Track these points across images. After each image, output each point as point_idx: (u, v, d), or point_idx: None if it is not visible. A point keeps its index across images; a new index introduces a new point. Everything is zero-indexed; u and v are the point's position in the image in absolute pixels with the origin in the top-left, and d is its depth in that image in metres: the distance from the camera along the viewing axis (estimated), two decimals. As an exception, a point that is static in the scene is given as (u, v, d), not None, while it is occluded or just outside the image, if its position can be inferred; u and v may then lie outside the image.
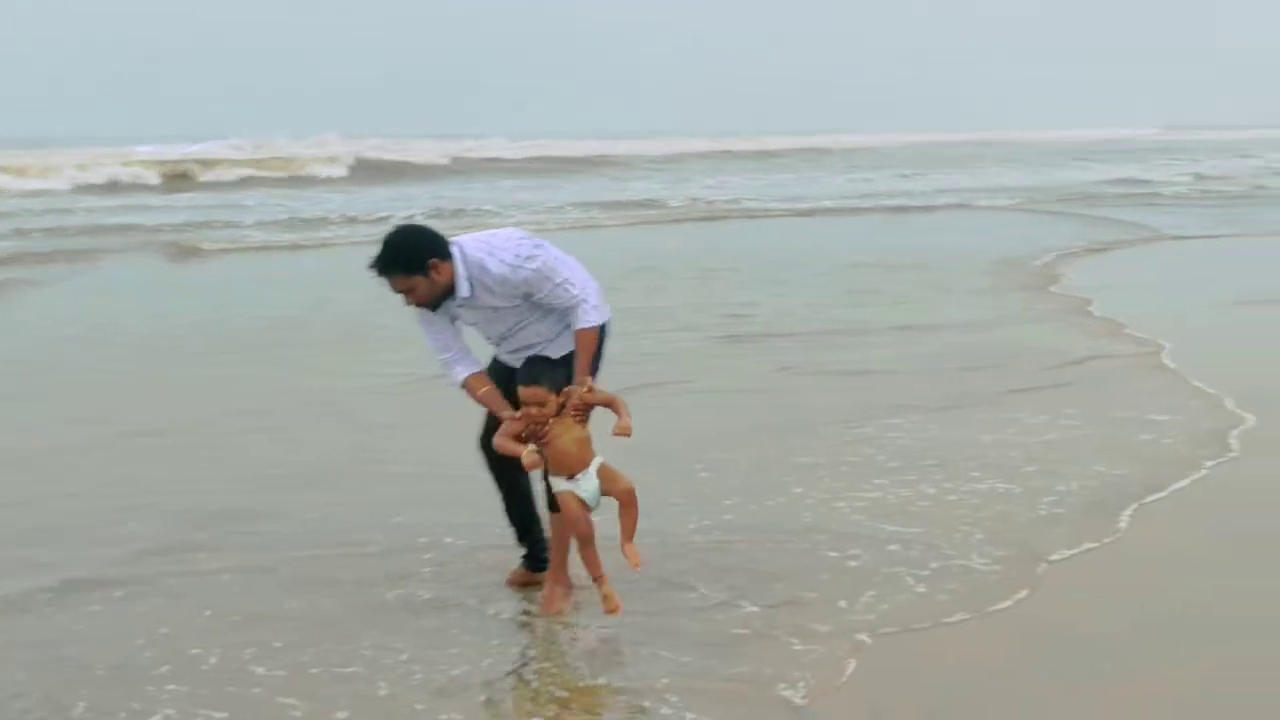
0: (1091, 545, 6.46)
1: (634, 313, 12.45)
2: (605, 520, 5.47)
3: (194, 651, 5.31)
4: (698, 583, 5.99)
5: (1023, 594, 5.85)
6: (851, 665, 5.12)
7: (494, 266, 5.31)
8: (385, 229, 5.63)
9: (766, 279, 16.98)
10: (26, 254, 19.87)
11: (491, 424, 5.55)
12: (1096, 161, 51.91)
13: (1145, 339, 11.90)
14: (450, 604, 5.79)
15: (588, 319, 5.40)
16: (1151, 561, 6.33)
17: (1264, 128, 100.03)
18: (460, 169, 44.76)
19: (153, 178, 37.25)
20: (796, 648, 5.27)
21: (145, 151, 42.76)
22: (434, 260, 5.24)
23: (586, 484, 5.24)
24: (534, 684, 5.00)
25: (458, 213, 26.98)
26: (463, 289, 5.32)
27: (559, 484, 5.28)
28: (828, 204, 31.28)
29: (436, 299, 5.33)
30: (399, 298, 5.40)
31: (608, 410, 5.26)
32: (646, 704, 4.82)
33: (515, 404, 5.29)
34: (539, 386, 5.17)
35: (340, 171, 41.07)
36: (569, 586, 5.71)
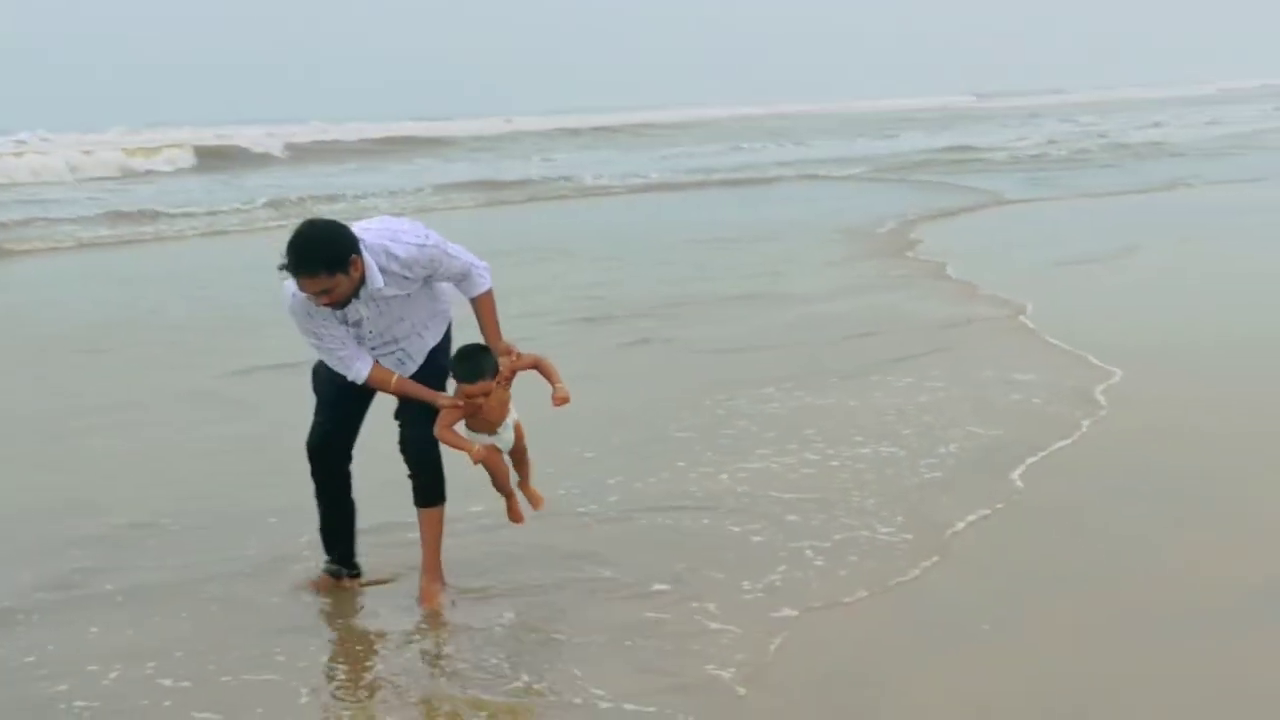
0: (989, 509, 6.44)
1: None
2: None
3: (91, 668, 5.02)
4: (602, 565, 5.87)
5: (931, 561, 5.82)
6: (776, 643, 5.02)
7: (401, 251, 5.13)
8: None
9: (612, 258, 16.88)
10: None
11: (330, 428, 5.47)
12: (920, 130, 52.88)
13: (1005, 300, 12.10)
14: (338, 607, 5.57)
15: (484, 280, 5.39)
16: (1053, 520, 6.35)
17: (1063, 93, 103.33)
18: (295, 156, 43.29)
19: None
20: (714, 628, 5.16)
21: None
22: (354, 256, 4.99)
23: (506, 435, 5.47)
24: (448, 687, 4.81)
25: (301, 200, 25.90)
26: (376, 280, 5.12)
27: (480, 438, 5.37)
28: (666, 179, 31.15)
29: (351, 296, 5.09)
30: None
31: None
32: (578, 701, 4.64)
33: None
34: (485, 379, 5.22)
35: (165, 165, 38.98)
36: (444, 581, 5.59)
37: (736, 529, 6.30)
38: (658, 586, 5.61)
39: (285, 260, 4.94)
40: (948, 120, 61.04)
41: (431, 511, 5.51)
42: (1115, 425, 7.83)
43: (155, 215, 23.62)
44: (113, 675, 4.96)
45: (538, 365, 5.42)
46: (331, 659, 5.12)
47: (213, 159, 40.06)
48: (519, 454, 5.63)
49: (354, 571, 5.76)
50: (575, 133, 55.70)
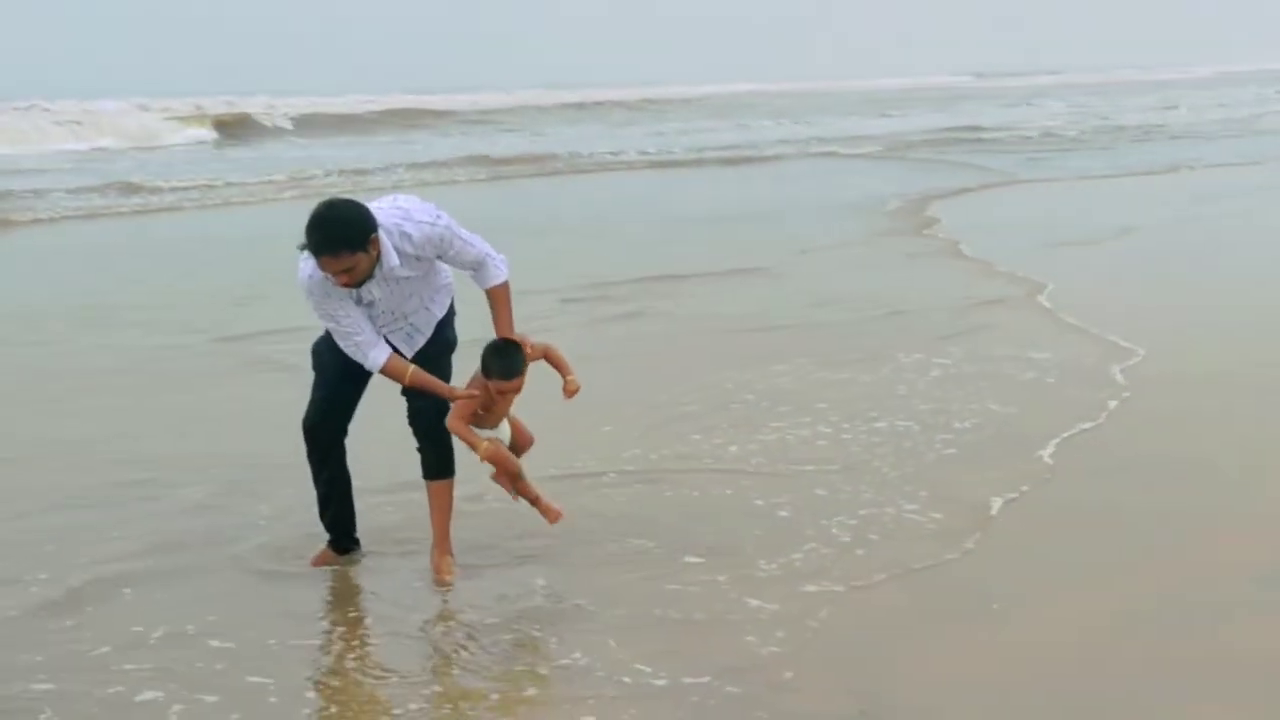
0: (1016, 490, 6.36)
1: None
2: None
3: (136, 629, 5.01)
4: (630, 536, 5.84)
5: (962, 542, 5.75)
6: (815, 622, 4.96)
7: (414, 230, 5.11)
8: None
9: (613, 233, 16.82)
10: None
11: (328, 408, 5.42)
12: (921, 109, 52.59)
13: (1022, 278, 12.02)
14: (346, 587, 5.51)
15: (500, 272, 5.33)
16: (1082, 501, 6.26)
17: (1060, 73, 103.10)
18: (303, 127, 42.89)
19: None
20: (753, 604, 5.11)
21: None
22: (373, 235, 4.96)
23: (504, 430, 5.42)
24: (491, 660, 4.75)
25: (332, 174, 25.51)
26: (392, 259, 5.08)
27: (484, 433, 5.31)
28: (667, 156, 30.83)
29: (368, 276, 5.05)
30: None
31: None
32: (627, 680, 4.56)
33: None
34: (522, 376, 5.26)
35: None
36: (453, 554, 5.56)
37: (761, 501, 6.28)
38: (689, 559, 5.56)
39: (306, 241, 4.91)
40: (947, 100, 60.78)
41: (441, 484, 5.48)
42: (1139, 405, 7.76)
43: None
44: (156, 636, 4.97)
45: (547, 354, 5.40)
46: (357, 634, 5.05)
47: (233, 129, 39.99)
48: (518, 448, 5.54)
49: (353, 545, 5.73)
50: (580, 107, 55.21)
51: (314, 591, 5.45)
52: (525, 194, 23.09)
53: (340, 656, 4.83)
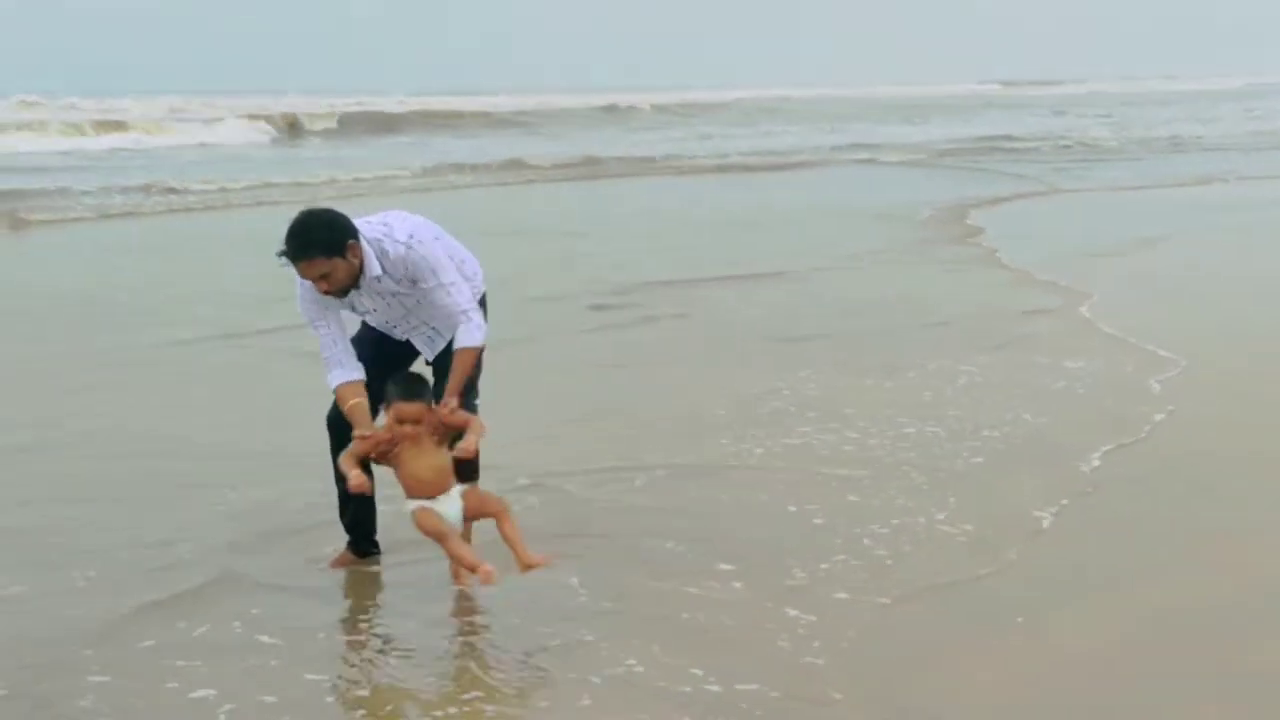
0: (1062, 501, 6.30)
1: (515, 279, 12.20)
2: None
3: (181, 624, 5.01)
4: (661, 539, 5.83)
5: (1012, 554, 5.71)
6: (851, 633, 4.91)
7: (391, 249, 5.16)
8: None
9: (638, 237, 16.81)
10: None
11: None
12: (950, 117, 52.38)
13: (1062, 287, 11.95)
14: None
15: (471, 338, 5.23)
16: (1122, 513, 6.21)
17: (1089, 81, 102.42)
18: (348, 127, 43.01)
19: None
20: (791, 614, 5.06)
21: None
22: (350, 241, 5.03)
23: (448, 506, 4.92)
24: (543, 660, 4.72)
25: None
26: (374, 267, 5.14)
27: (411, 504, 4.95)
28: (697, 162, 30.67)
29: (350, 284, 5.11)
30: None
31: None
32: (686, 689, 4.51)
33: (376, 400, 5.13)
34: (421, 402, 4.95)
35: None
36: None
37: (794, 508, 6.25)
38: (723, 566, 5.53)
39: (284, 247, 4.98)
40: (978, 108, 60.58)
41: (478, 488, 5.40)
42: (1177, 417, 7.67)
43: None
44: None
45: (466, 425, 4.99)
46: (390, 639, 4.99)
47: (293, 128, 40.89)
48: (504, 526, 4.97)
49: (374, 549, 5.69)
50: (610, 110, 55.03)
51: (334, 592, 5.44)
52: (559, 197, 23.10)
53: (373, 661, 4.79)
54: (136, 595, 5.31)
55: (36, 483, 6.91)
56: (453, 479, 4.96)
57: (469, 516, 5.00)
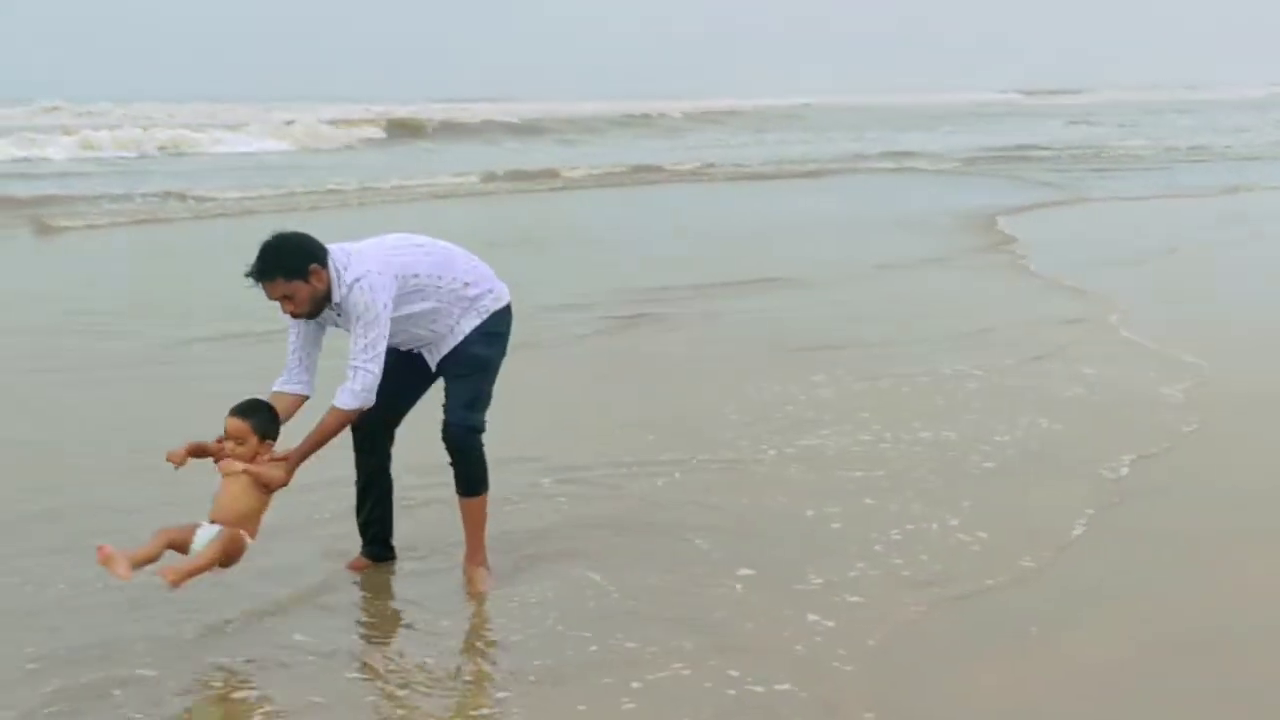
0: (1087, 510, 6.22)
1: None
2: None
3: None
4: (682, 541, 5.83)
5: (1028, 562, 5.65)
6: (873, 640, 4.88)
7: (347, 277, 5.13)
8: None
9: (654, 244, 16.97)
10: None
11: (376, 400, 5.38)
12: (972, 125, 52.12)
13: (1089, 293, 11.91)
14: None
15: (342, 400, 5.14)
16: (1143, 525, 6.12)
17: (1104, 91, 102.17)
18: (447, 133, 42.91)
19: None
20: (811, 619, 5.04)
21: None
22: (314, 265, 5.09)
23: (203, 535, 4.88)
24: (581, 658, 4.71)
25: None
26: (336, 294, 5.14)
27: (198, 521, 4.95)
28: (730, 170, 30.53)
29: (315, 306, 5.15)
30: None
31: None
32: (731, 692, 4.49)
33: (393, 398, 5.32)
34: (245, 422, 4.99)
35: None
36: (488, 566, 5.49)
37: (811, 512, 6.22)
38: (744, 571, 5.50)
39: (250, 268, 5.06)
40: (1001, 116, 60.33)
41: (473, 500, 5.45)
42: (1200, 425, 7.61)
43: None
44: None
45: (268, 483, 4.96)
46: (430, 648, 4.92)
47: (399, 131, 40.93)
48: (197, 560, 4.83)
49: (387, 554, 5.66)
50: (644, 118, 54.59)
51: (349, 597, 5.39)
52: (594, 204, 22.89)
53: (398, 668, 4.74)
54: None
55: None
56: (226, 518, 4.89)
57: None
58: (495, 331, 5.41)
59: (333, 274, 5.12)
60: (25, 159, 30.14)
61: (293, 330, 5.30)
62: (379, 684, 4.60)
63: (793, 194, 24.40)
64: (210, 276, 12.64)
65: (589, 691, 4.49)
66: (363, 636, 5.02)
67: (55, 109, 46.91)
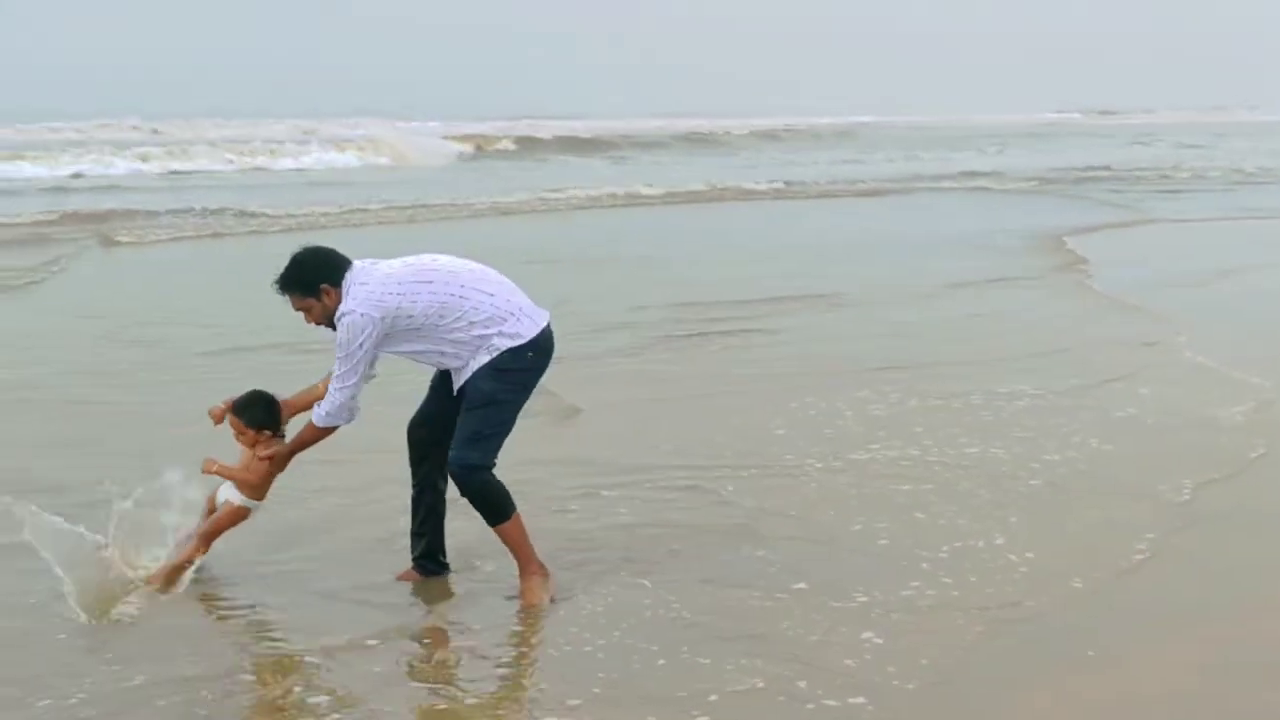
0: (1147, 535, 6.15)
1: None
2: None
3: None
4: (737, 554, 5.88)
5: (1077, 582, 5.62)
6: (925, 659, 4.87)
7: (343, 306, 5.29)
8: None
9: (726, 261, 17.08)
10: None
11: (423, 417, 5.58)
12: (1033, 146, 51.51)
13: (1154, 314, 11.85)
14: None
15: (315, 415, 5.42)
16: (1208, 547, 6.06)
17: (1160, 111, 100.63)
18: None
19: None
20: (864, 636, 5.05)
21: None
22: (325, 285, 5.27)
23: (220, 495, 5.61)
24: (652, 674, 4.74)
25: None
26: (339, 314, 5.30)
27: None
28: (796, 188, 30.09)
29: (330, 321, 5.34)
30: None
31: None
32: (810, 706, 4.52)
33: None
34: (238, 417, 5.50)
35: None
36: (545, 574, 5.47)
37: (858, 527, 6.26)
38: (798, 585, 5.53)
39: (275, 280, 5.35)
40: (1061, 136, 59.66)
41: (500, 528, 5.42)
42: (1260, 449, 7.50)
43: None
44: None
45: (231, 479, 5.56)
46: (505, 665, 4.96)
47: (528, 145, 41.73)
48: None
49: (437, 569, 5.68)
50: (707, 137, 54.53)
51: (404, 604, 5.46)
52: (672, 220, 22.76)
53: (462, 684, 4.76)
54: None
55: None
56: (242, 479, 5.52)
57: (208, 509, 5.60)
58: (506, 368, 5.32)
59: (343, 294, 5.28)
60: (175, 171, 31.00)
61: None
62: (440, 692, 4.64)
63: (860, 212, 24.17)
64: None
65: (663, 706, 4.49)
66: (417, 643, 5.07)
67: (150, 130, 47.72)
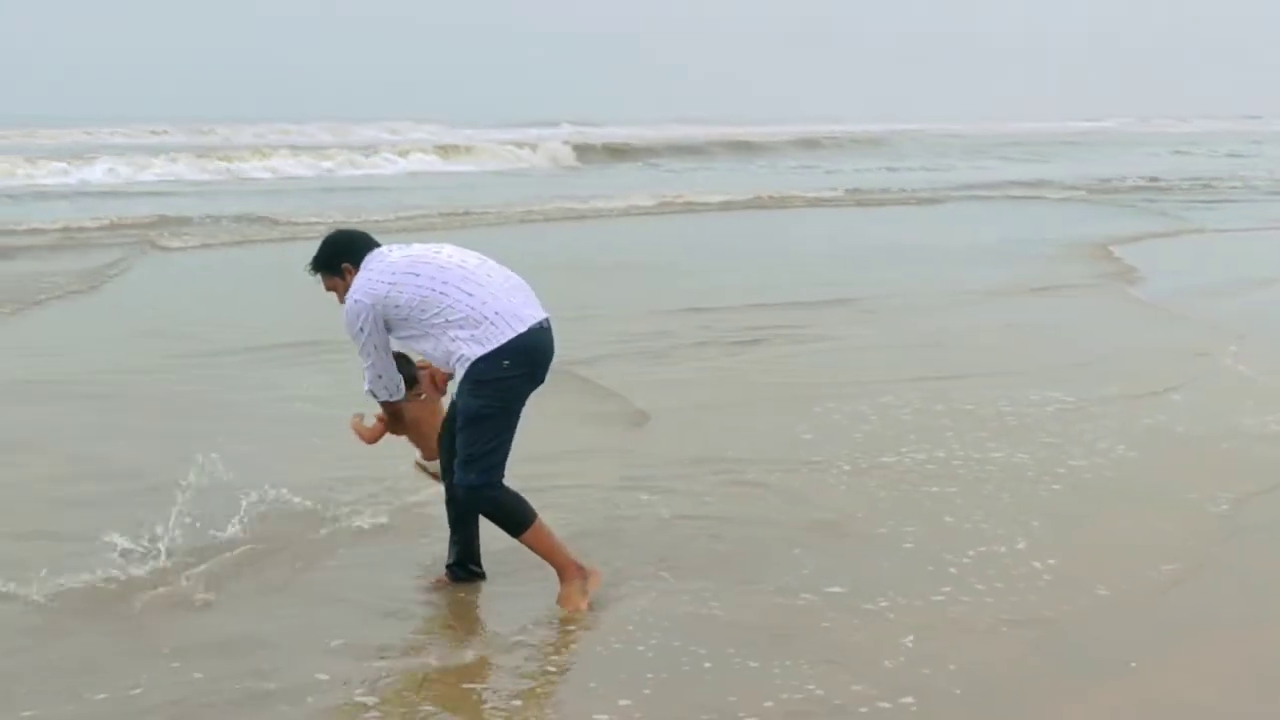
0: (1187, 547, 6.06)
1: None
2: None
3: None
4: (769, 558, 5.91)
5: (1102, 590, 5.59)
6: (955, 666, 4.87)
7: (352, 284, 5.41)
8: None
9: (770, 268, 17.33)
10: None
11: (449, 416, 5.47)
12: (1086, 153, 51.10)
13: (1208, 324, 11.80)
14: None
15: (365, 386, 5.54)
16: (1245, 565, 5.96)
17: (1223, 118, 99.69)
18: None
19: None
20: (908, 642, 5.04)
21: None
22: (346, 265, 5.39)
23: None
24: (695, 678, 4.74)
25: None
26: None
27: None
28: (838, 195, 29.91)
29: None
30: None
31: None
32: (863, 709, 4.54)
33: None
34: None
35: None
36: (584, 575, 5.36)
37: (884, 530, 6.30)
38: (832, 589, 5.54)
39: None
40: (1099, 144, 59.17)
41: (523, 538, 5.33)
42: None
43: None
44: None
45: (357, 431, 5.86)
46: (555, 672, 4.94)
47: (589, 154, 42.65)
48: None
49: (466, 576, 5.63)
50: (747, 145, 54.52)
51: (440, 611, 5.48)
52: (712, 228, 22.86)
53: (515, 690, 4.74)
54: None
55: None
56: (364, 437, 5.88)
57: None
58: (483, 379, 5.16)
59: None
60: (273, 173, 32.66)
61: None
62: (487, 696, 4.67)
63: (904, 220, 24.20)
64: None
65: (716, 710, 4.49)
66: (457, 646, 5.08)
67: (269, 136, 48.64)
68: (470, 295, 5.17)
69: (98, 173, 31.31)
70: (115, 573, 5.62)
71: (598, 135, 50.74)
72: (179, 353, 10.64)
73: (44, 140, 45.21)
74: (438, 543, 5.84)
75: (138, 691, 4.65)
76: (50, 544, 6.06)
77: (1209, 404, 8.77)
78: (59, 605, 5.39)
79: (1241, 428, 8.14)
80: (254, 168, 34.20)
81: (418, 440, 5.79)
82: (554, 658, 4.98)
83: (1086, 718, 4.54)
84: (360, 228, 5.86)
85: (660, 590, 5.52)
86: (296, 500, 6.46)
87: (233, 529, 6.09)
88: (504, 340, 5.13)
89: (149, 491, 6.53)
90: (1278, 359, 10.15)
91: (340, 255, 5.41)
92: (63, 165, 31.57)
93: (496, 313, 5.15)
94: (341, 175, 34.30)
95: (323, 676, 4.75)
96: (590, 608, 5.30)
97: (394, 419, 5.69)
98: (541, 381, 5.32)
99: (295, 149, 38.17)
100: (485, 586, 5.63)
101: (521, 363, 5.17)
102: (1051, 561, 5.86)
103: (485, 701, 4.63)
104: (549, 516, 5.46)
